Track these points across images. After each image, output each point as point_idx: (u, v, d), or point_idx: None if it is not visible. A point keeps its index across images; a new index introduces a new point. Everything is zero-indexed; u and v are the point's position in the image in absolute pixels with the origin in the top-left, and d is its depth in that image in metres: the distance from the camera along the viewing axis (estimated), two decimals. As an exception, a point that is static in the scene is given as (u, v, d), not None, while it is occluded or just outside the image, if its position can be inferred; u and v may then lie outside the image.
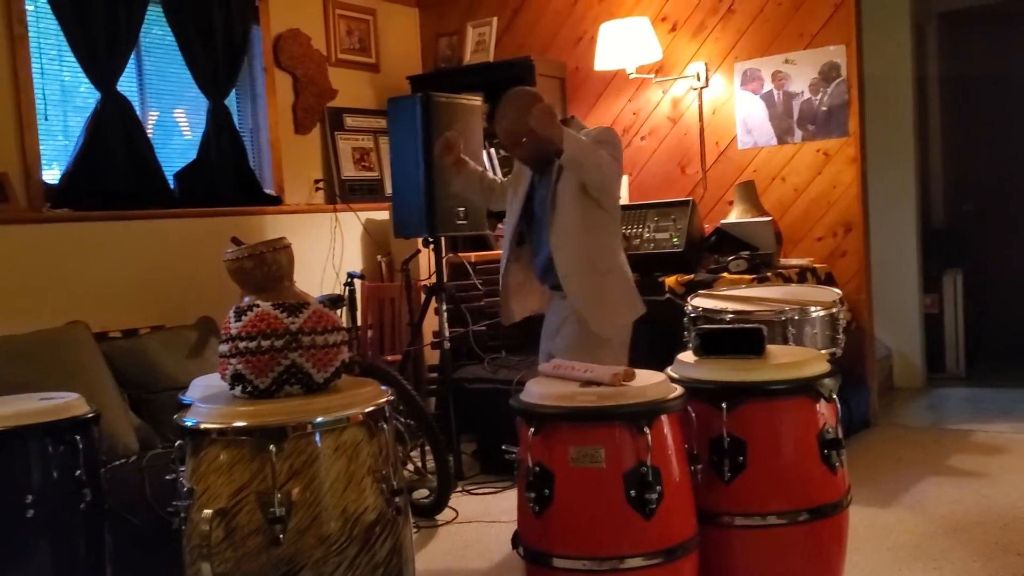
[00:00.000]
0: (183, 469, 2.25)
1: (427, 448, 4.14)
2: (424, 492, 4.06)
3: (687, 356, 2.72)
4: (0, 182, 4.06)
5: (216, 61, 4.96)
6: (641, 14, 5.41)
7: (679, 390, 2.42)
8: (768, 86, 5.17)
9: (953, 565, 3.18)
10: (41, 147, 4.25)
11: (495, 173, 5.02)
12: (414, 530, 3.51)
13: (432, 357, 4.99)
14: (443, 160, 3.78)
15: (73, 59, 4.37)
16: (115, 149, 4.49)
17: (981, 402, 5.59)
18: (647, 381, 2.40)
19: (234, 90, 5.18)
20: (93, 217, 4.38)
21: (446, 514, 4.00)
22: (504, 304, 3.76)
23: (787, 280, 4.55)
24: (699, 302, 3.80)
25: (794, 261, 4.93)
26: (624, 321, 3.57)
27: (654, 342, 3.90)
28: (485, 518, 3.96)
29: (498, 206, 3.92)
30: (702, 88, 5.37)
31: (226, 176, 5.02)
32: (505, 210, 3.83)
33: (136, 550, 2.85)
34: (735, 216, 4.98)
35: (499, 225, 5.11)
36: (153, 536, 2.82)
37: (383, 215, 5.79)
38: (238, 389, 2.26)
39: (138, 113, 4.65)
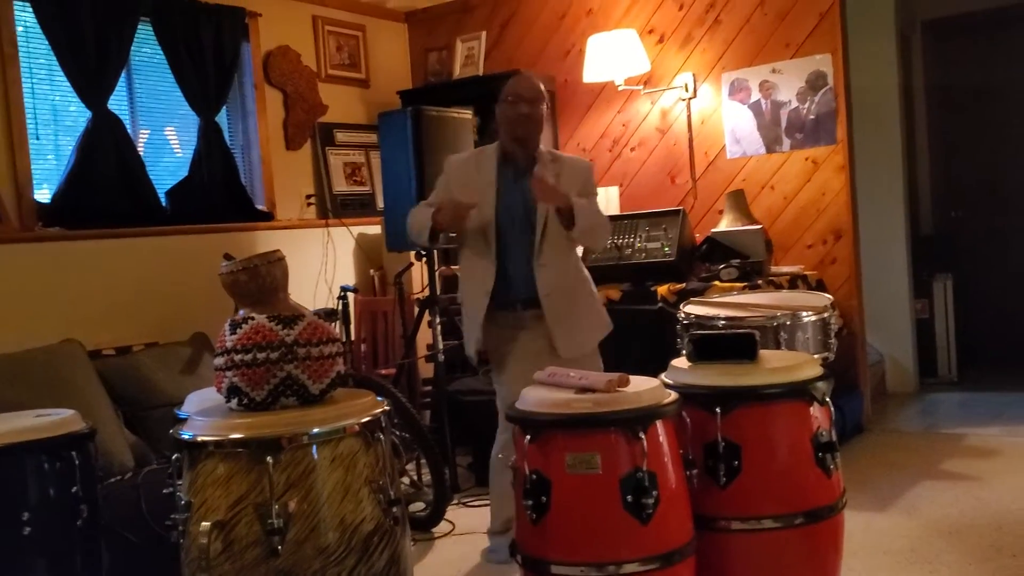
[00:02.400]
0: (180, 482, 2.26)
1: (423, 461, 4.14)
2: (420, 505, 4.06)
3: (681, 362, 2.73)
4: (-8, 202, 4.07)
5: (206, 79, 4.98)
6: (628, 26, 5.44)
7: (673, 395, 2.43)
8: (756, 96, 5.20)
9: (949, 568, 3.19)
10: (32, 166, 4.26)
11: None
12: (411, 542, 3.51)
13: (426, 370, 4.99)
14: (453, 225, 3.43)
15: (63, 78, 4.38)
16: (106, 167, 4.50)
17: (973, 406, 5.61)
18: (641, 387, 2.41)
19: (225, 107, 5.19)
20: (85, 235, 4.39)
21: (442, 527, 4.00)
22: (475, 331, 3.48)
23: (778, 287, 4.57)
24: (692, 309, 3.81)
25: (785, 269, 4.95)
26: (594, 342, 3.52)
27: (647, 349, 3.92)
28: (481, 530, 3.95)
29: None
30: (690, 99, 5.40)
31: (218, 193, 5.03)
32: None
33: (132, 566, 2.85)
34: (725, 225, 5.01)
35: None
36: (149, 552, 2.82)
37: (375, 229, 5.81)
38: (234, 402, 2.27)
39: (129, 131, 4.66)
